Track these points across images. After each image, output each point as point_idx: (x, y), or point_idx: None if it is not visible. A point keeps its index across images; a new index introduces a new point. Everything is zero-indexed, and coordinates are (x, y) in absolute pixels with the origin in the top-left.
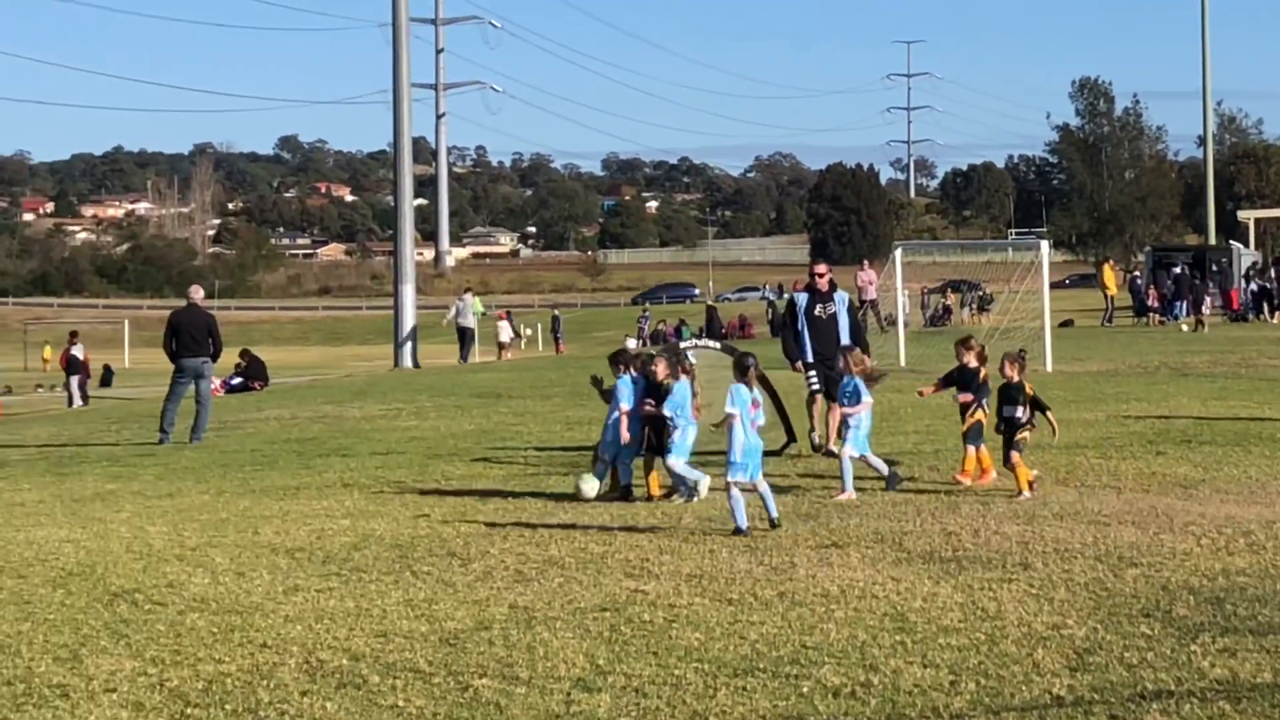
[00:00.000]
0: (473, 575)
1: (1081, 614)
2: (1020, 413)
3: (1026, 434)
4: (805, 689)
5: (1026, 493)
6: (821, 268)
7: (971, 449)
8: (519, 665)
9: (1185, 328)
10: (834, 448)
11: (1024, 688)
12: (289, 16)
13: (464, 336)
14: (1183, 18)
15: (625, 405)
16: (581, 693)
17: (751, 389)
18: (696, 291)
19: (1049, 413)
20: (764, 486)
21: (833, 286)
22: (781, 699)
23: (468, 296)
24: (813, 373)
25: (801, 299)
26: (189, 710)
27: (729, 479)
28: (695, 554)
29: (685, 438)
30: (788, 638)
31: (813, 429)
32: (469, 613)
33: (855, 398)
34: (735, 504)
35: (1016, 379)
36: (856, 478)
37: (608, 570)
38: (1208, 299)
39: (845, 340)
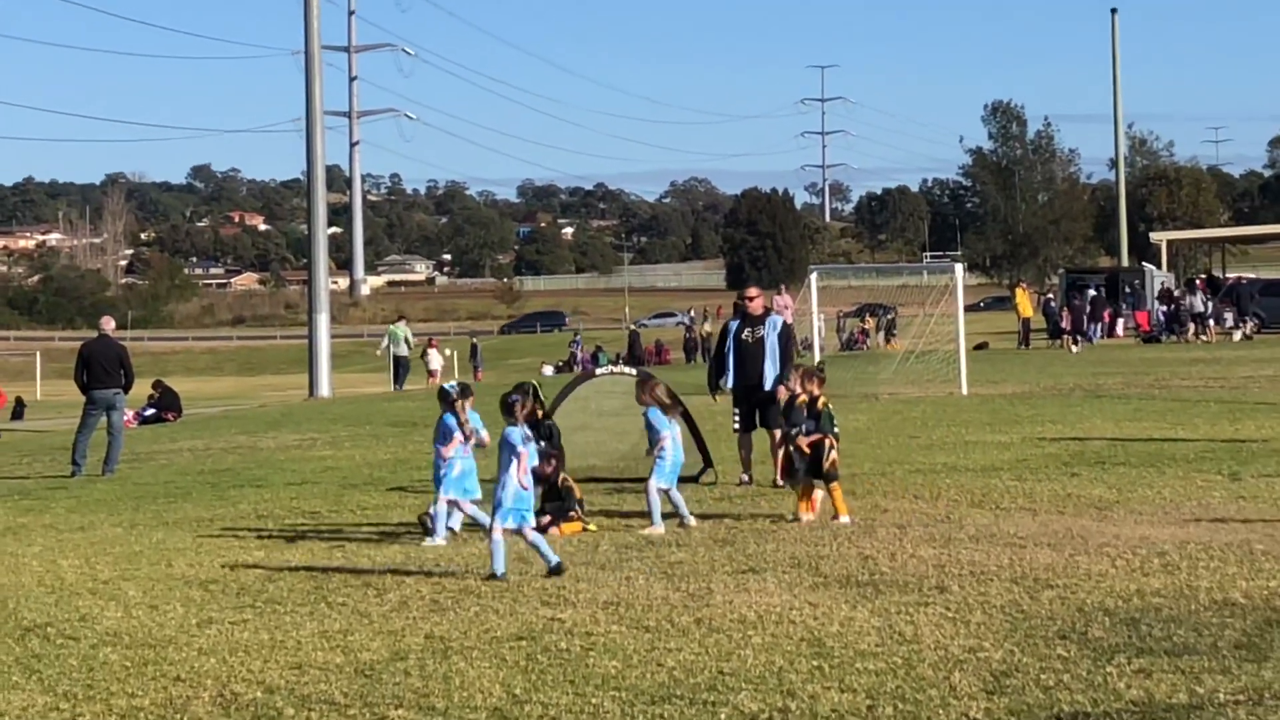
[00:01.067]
0: (388, 605)
1: (998, 637)
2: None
3: (835, 456)
4: (723, 716)
5: (845, 517)
6: (752, 291)
7: (836, 485)
8: (435, 696)
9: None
10: (744, 477)
11: (941, 711)
12: (201, 45)
13: (398, 365)
14: (1094, 40)
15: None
16: None
17: (520, 427)
18: (568, 321)
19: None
20: (533, 535)
21: (766, 311)
22: None
23: (401, 324)
24: (736, 411)
25: (733, 325)
26: None
27: (496, 524)
28: (612, 581)
29: (668, 464)
30: (705, 664)
31: (744, 471)
32: (384, 643)
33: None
34: (496, 549)
35: (817, 394)
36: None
37: (524, 599)
38: (1120, 320)
39: (770, 367)
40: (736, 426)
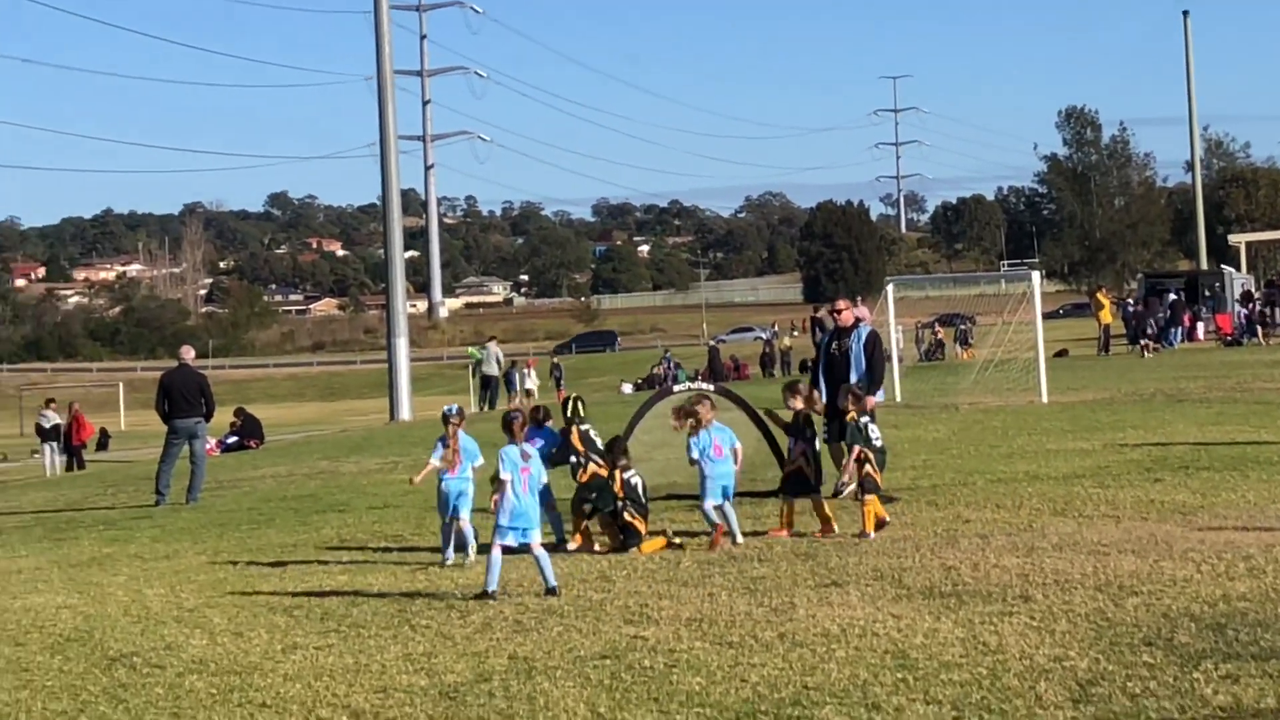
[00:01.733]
0: (471, 627)
1: (1083, 645)
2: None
3: (869, 469)
4: None
5: (871, 533)
6: (841, 303)
7: (872, 498)
8: (519, 716)
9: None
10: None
11: None
12: (275, 73)
13: (487, 384)
14: (1167, 44)
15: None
16: None
17: (519, 445)
18: (619, 340)
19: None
20: (539, 551)
21: (857, 322)
22: None
23: (491, 345)
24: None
25: (825, 339)
26: None
27: (495, 541)
28: (695, 598)
29: (710, 480)
30: (789, 679)
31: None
32: (468, 665)
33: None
34: (492, 566)
35: (800, 408)
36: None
37: (607, 617)
38: (1200, 324)
39: (854, 378)
40: (825, 437)
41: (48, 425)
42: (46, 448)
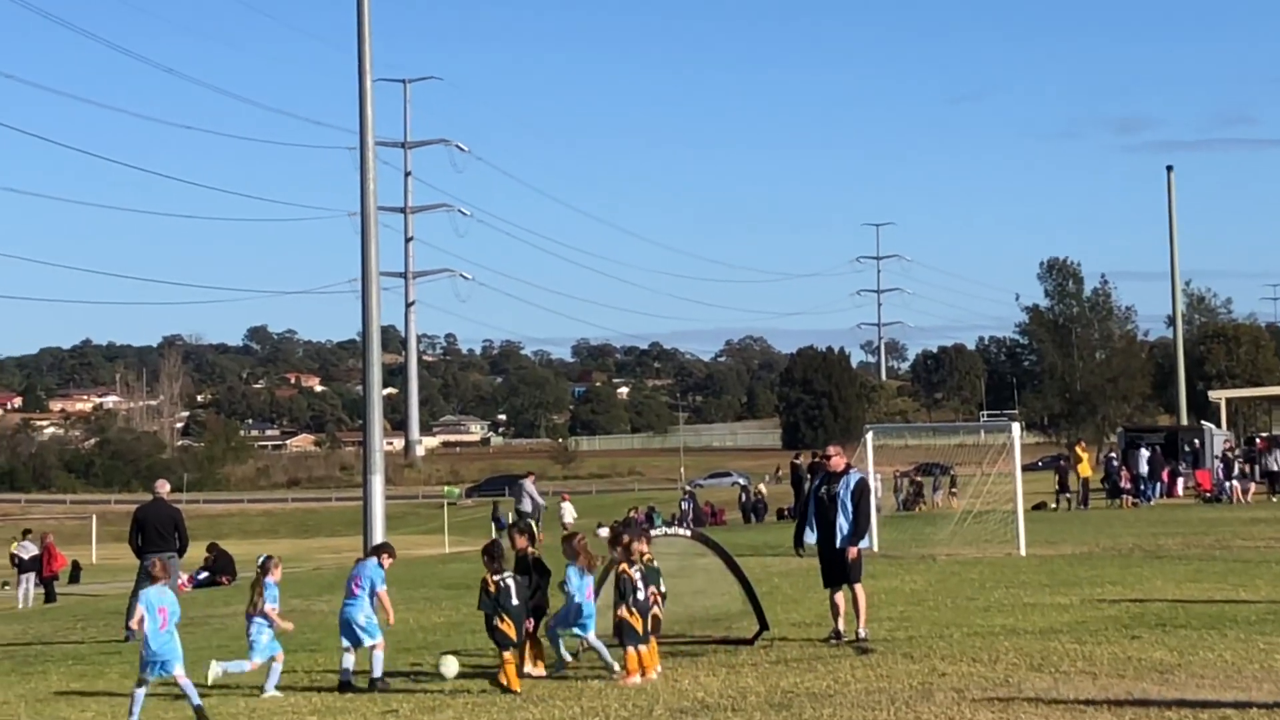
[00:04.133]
0: None
1: None
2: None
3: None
4: None
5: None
6: (831, 450)
7: (631, 649)
8: None
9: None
10: (861, 630)
11: None
12: (258, 207)
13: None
14: (1150, 199)
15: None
16: None
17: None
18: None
19: None
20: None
21: (847, 468)
22: None
23: (527, 481)
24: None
25: (817, 483)
26: None
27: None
28: None
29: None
30: None
31: (833, 627)
32: None
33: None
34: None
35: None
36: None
37: None
38: (1180, 479)
39: (842, 523)
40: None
41: (26, 556)
42: (23, 579)
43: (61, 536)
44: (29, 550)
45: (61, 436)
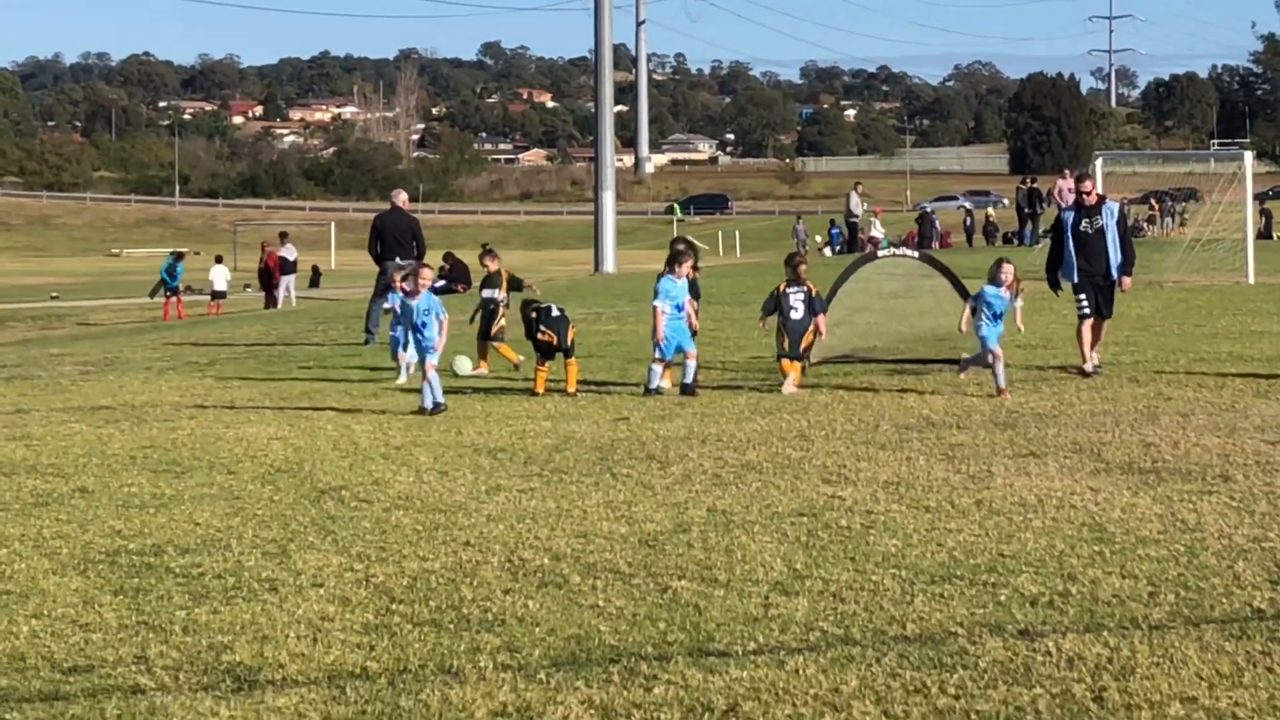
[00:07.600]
0: (671, 479)
1: None
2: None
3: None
4: (1003, 597)
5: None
6: (1087, 184)
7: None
8: (717, 568)
9: None
10: (1087, 366)
11: (1225, 600)
12: None
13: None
14: None
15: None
16: (779, 596)
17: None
18: (730, 204)
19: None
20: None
21: (1101, 199)
22: (979, 606)
23: (853, 192)
24: (1082, 295)
25: (1069, 216)
26: (394, 605)
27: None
28: (892, 461)
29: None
30: (985, 546)
31: (1084, 361)
32: (668, 515)
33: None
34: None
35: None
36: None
37: (805, 476)
38: None
39: (1114, 254)
40: (1085, 311)
41: (290, 258)
42: (284, 280)
43: (301, 242)
44: (292, 253)
45: (300, 145)
